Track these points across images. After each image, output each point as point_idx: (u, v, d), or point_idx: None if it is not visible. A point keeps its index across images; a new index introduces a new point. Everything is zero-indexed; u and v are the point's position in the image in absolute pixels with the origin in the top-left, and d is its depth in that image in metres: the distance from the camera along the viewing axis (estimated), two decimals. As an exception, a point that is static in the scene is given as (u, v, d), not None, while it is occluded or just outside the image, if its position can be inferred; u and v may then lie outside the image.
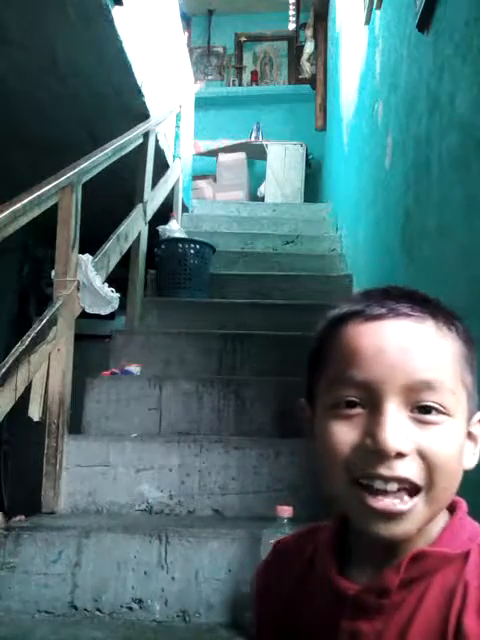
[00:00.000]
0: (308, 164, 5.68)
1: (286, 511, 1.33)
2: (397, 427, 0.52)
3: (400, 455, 0.51)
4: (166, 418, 2.10)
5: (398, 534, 0.53)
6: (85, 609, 1.49)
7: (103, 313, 2.03)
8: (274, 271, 3.33)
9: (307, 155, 5.64)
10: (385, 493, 0.52)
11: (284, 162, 5.53)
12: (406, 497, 0.52)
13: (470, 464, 0.57)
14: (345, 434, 0.54)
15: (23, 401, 1.63)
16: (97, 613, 1.49)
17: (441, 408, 0.53)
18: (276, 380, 2.20)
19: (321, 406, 0.57)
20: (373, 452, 0.52)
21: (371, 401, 0.53)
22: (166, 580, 1.51)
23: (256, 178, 5.85)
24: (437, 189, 1.51)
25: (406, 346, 0.53)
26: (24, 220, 1.63)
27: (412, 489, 0.52)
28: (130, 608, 1.49)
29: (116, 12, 2.23)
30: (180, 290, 3.06)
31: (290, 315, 2.78)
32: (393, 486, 0.52)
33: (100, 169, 2.17)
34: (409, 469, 0.52)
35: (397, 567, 0.55)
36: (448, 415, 0.53)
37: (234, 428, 2.07)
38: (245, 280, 3.21)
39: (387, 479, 0.52)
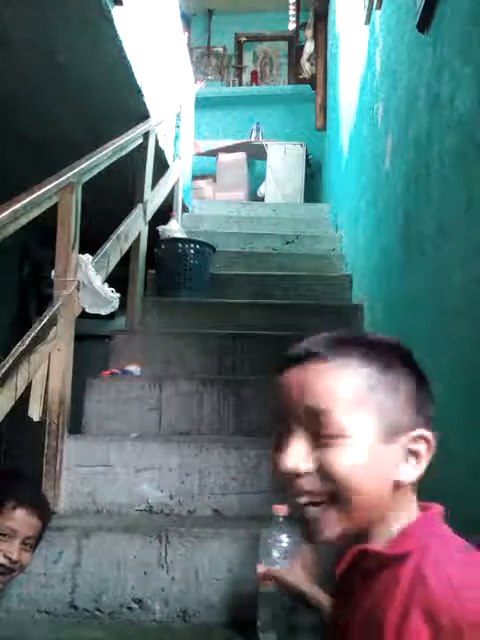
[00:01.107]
0: (308, 164, 5.67)
1: (282, 510, 1.34)
2: (295, 450, 0.63)
3: (299, 474, 0.62)
4: (166, 418, 2.10)
5: (321, 537, 0.63)
6: (85, 609, 1.49)
7: (103, 313, 2.03)
8: (274, 271, 3.33)
9: (307, 155, 5.64)
10: (306, 505, 0.63)
11: (284, 162, 5.53)
12: (319, 508, 0.63)
13: (408, 477, 0.64)
14: (274, 459, 0.66)
15: (23, 401, 1.63)
16: (97, 613, 1.49)
17: (335, 432, 0.62)
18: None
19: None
20: (283, 474, 0.63)
21: (284, 433, 0.65)
22: (166, 580, 1.51)
23: (256, 178, 5.85)
24: (437, 189, 1.51)
25: (299, 386, 0.65)
26: (24, 220, 1.63)
27: (328, 501, 0.62)
28: (130, 608, 1.49)
29: (116, 12, 2.23)
30: (180, 290, 3.06)
31: (290, 315, 2.78)
32: (303, 499, 0.63)
33: (100, 169, 2.17)
34: (311, 484, 0.62)
35: (346, 559, 0.65)
36: (343, 437, 0.62)
37: (234, 428, 2.07)
38: (245, 280, 3.21)
39: (296, 494, 0.63)
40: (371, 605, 0.61)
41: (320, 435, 0.62)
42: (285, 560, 1.27)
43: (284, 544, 1.30)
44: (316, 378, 0.64)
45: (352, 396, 0.63)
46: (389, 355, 0.66)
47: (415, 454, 0.64)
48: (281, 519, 1.34)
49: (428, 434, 0.65)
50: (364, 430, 0.62)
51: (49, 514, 1.47)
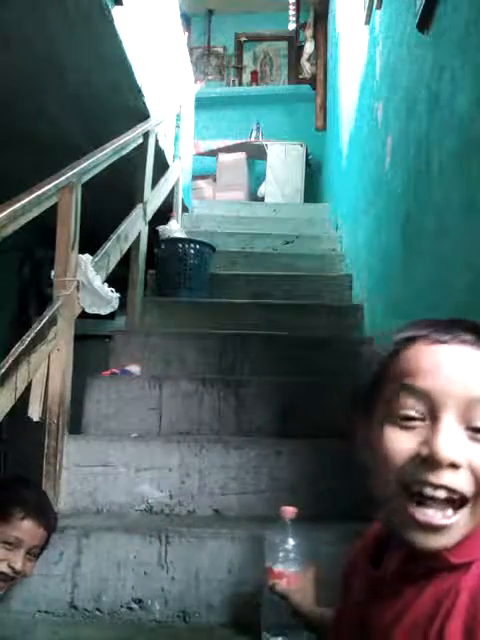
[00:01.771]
0: (308, 164, 5.67)
1: (289, 512, 1.32)
2: (452, 439, 0.56)
3: (452, 465, 0.56)
4: (166, 418, 2.09)
5: (435, 547, 0.57)
6: (85, 609, 1.49)
7: (103, 313, 2.03)
8: (274, 271, 3.33)
9: (307, 155, 5.64)
10: (432, 501, 0.56)
11: (284, 162, 5.53)
12: (450, 511, 0.57)
13: None
14: (403, 443, 0.59)
15: (23, 401, 1.63)
16: (97, 613, 1.49)
17: None
18: (276, 380, 2.20)
19: (381, 416, 0.62)
20: (427, 460, 0.56)
21: (430, 414, 0.58)
22: (166, 580, 1.51)
23: (256, 178, 5.85)
24: (437, 189, 1.51)
25: (465, 367, 0.59)
26: (23, 220, 1.62)
27: (458, 502, 0.57)
28: (130, 608, 1.49)
29: (116, 12, 2.23)
30: (180, 290, 3.06)
31: (290, 315, 2.78)
32: (441, 494, 0.56)
33: (100, 169, 2.17)
34: (458, 480, 0.56)
35: (402, 560, 0.60)
36: None
37: (234, 428, 2.07)
38: (245, 280, 3.21)
39: (436, 486, 0.56)
40: (423, 612, 0.56)
41: (476, 428, 0.57)
42: (291, 564, 1.26)
43: (289, 547, 1.28)
44: None
45: None
46: None
47: None
48: (288, 521, 1.32)
49: None
50: None
51: (55, 524, 1.46)
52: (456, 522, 0.57)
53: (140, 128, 2.67)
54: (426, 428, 0.58)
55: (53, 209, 1.85)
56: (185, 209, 4.14)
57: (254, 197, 5.69)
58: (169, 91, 3.41)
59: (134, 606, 1.49)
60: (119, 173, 2.55)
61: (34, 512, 1.35)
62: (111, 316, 4.18)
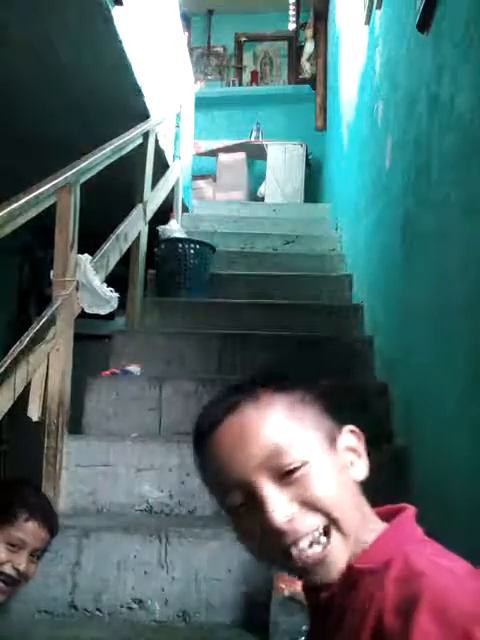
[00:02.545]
0: (308, 164, 5.67)
1: None
2: (276, 502, 0.59)
3: (291, 520, 0.59)
4: (166, 418, 2.09)
5: (331, 575, 0.61)
6: (85, 609, 1.49)
7: (102, 313, 2.03)
8: (274, 271, 3.33)
9: (307, 155, 5.64)
10: (305, 550, 0.60)
11: (284, 162, 5.53)
12: (323, 539, 0.60)
13: (360, 474, 0.65)
14: (248, 533, 0.63)
15: (22, 401, 1.63)
16: (97, 613, 1.49)
17: (296, 463, 0.60)
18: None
19: (225, 515, 0.67)
20: (274, 532, 0.59)
21: (248, 495, 0.61)
22: (166, 580, 1.51)
23: (256, 178, 5.85)
24: (437, 189, 1.51)
25: (244, 433, 0.61)
26: (22, 220, 1.62)
27: (324, 532, 0.60)
28: (130, 608, 1.49)
29: (116, 12, 2.23)
30: (180, 290, 3.06)
31: (290, 315, 2.78)
32: (305, 542, 0.59)
33: (99, 169, 2.17)
34: (305, 523, 0.60)
35: (336, 581, 0.62)
36: (305, 463, 0.60)
37: (234, 428, 2.07)
38: (245, 280, 3.21)
39: (296, 541, 0.59)
40: (355, 617, 0.58)
41: (286, 474, 0.60)
42: None
43: None
44: (248, 424, 0.62)
45: (287, 422, 0.62)
46: (284, 380, 0.68)
47: (353, 450, 0.66)
48: None
49: (352, 427, 0.66)
50: (314, 447, 0.62)
51: (57, 526, 1.46)
52: (334, 545, 0.60)
53: (140, 128, 2.67)
54: (253, 509, 0.61)
55: (53, 209, 1.85)
56: (185, 209, 4.14)
57: (254, 197, 5.69)
58: (169, 91, 3.40)
59: (134, 606, 1.49)
60: (119, 173, 2.55)
61: (38, 514, 1.35)
62: (111, 316, 4.18)
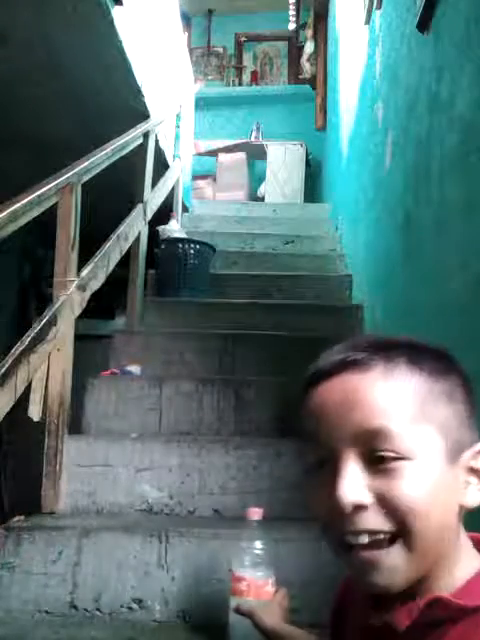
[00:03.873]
0: (308, 164, 5.67)
1: (256, 513, 1.30)
2: (351, 481, 0.53)
3: (360, 507, 0.52)
4: (166, 418, 2.10)
5: (381, 585, 0.53)
6: (85, 609, 1.49)
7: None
8: (274, 271, 3.33)
9: (307, 155, 5.64)
10: (362, 547, 0.53)
11: (284, 162, 5.53)
12: (386, 546, 0.53)
13: (472, 501, 0.55)
14: (317, 497, 0.56)
15: (23, 401, 1.63)
16: (97, 613, 1.49)
17: (395, 454, 0.52)
18: (276, 380, 2.20)
19: (303, 471, 0.60)
20: (337, 509, 0.53)
21: (329, 459, 0.55)
22: (166, 580, 1.51)
23: (256, 178, 5.85)
24: (437, 189, 1.51)
25: (347, 399, 0.54)
26: (23, 220, 1.63)
27: (386, 541, 0.53)
28: (130, 608, 1.49)
29: (116, 12, 2.23)
30: (180, 290, 3.06)
31: (290, 315, 2.78)
32: (363, 539, 0.53)
33: (100, 169, 2.17)
34: (373, 520, 0.52)
35: (410, 610, 0.55)
36: (406, 459, 0.52)
37: (234, 428, 2.07)
38: (245, 280, 3.21)
39: (355, 533, 0.53)
40: None
41: (378, 459, 0.53)
42: (258, 567, 1.23)
43: (257, 551, 1.25)
44: (365, 389, 0.54)
45: (411, 408, 0.53)
46: (439, 361, 0.58)
47: (477, 473, 0.56)
48: (255, 524, 1.29)
49: None
50: (429, 449, 0.53)
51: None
52: (392, 557, 0.53)
53: (140, 128, 2.67)
54: (330, 473, 0.54)
55: (53, 209, 1.85)
56: (185, 209, 4.14)
57: (254, 197, 5.69)
58: (169, 91, 3.41)
59: (134, 606, 1.49)
60: (119, 173, 2.55)
61: None
62: (111, 316, 4.19)
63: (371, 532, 0.53)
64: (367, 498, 0.52)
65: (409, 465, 0.52)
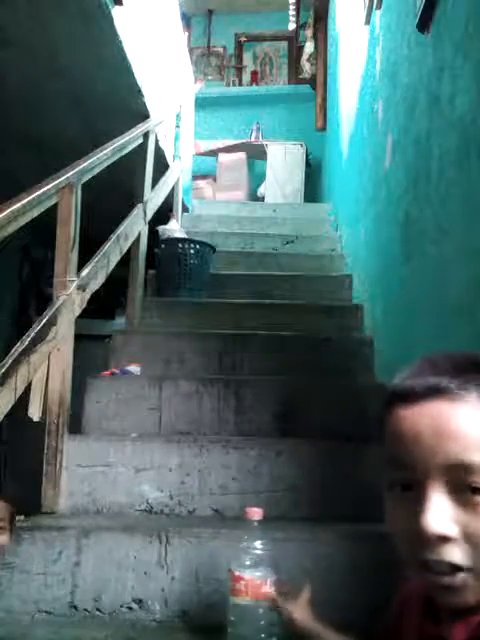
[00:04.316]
0: (308, 164, 5.67)
1: (256, 514, 1.29)
2: (438, 511, 0.53)
3: (444, 538, 0.53)
4: (166, 418, 2.09)
5: (459, 603, 0.55)
6: (85, 609, 1.49)
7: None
8: (274, 271, 3.33)
9: (307, 155, 5.64)
10: (438, 573, 0.54)
11: (284, 162, 5.53)
12: (462, 575, 0.54)
13: None
14: (400, 517, 0.56)
15: (23, 401, 1.63)
16: (97, 613, 1.49)
17: None
18: (276, 380, 2.20)
19: (385, 487, 0.60)
20: (420, 535, 0.53)
21: (417, 484, 0.55)
22: (166, 580, 1.50)
23: (256, 178, 5.85)
24: (437, 189, 1.51)
25: (441, 428, 0.54)
26: (23, 220, 1.63)
27: (468, 570, 0.54)
28: (130, 608, 1.49)
29: (116, 12, 2.23)
30: (180, 290, 3.06)
31: (290, 315, 2.78)
32: (445, 568, 0.53)
33: (100, 169, 2.17)
34: (456, 553, 0.53)
35: (468, 624, 0.56)
36: None
37: (234, 428, 2.07)
38: (245, 280, 3.21)
39: (436, 562, 0.53)
40: None
41: (467, 493, 0.52)
42: (258, 568, 1.23)
43: (257, 551, 1.24)
44: (461, 421, 0.53)
45: None
46: None
47: None
48: (255, 523, 1.29)
49: None
50: None
51: (13, 498, 1.49)
52: (465, 581, 0.54)
53: (140, 128, 2.67)
54: (415, 498, 0.55)
55: (53, 209, 1.85)
56: (185, 209, 4.14)
57: (254, 197, 5.69)
58: (169, 91, 3.41)
59: (134, 606, 1.49)
60: (119, 173, 2.55)
61: None
62: (111, 316, 4.20)
63: (451, 565, 0.53)
64: (453, 531, 0.53)
65: None
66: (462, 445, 0.53)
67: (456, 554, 0.53)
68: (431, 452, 0.54)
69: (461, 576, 0.53)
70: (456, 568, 0.53)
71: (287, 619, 1.01)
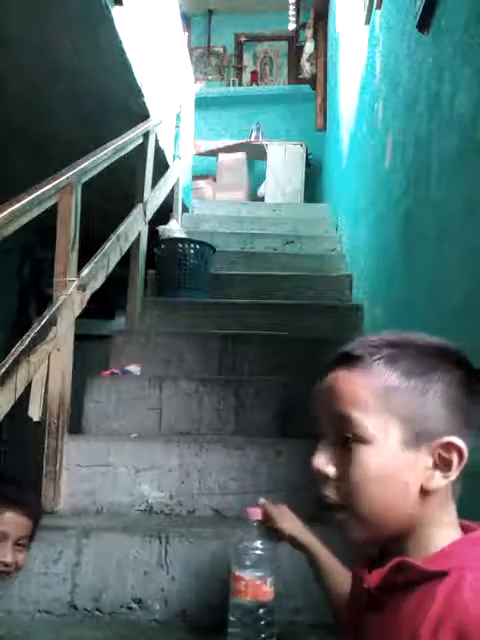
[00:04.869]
0: (308, 164, 5.67)
1: (256, 513, 1.29)
2: (323, 452, 0.65)
3: (325, 477, 0.64)
4: (166, 418, 2.10)
5: (348, 539, 0.64)
6: (85, 609, 1.49)
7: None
8: (274, 271, 3.33)
9: (307, 155, 5.64)
10: (331, 507, 0.65)
11: (284, 162, 5.53)
12: (340, 511, 0.64)
13: (433, 485, 0.62)
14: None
15: (23, 401, 1.63)
16: (97, 613, 1.49)
17: (356, 437, 0.62)
18: (276, 380, 2.20)
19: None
20: (312, 474, 0.66)
21: (320, 434, 0.67)
22: (166, 580, 1.51)
23: (256, 178, 5.85)
24: (437, 189, 1.51)
25: (330, 387, 0.66)
26: (23, 220, 1.62)
27: (342, 507, 0.64)
28: (130, 608, 1.49)
29: (116, 12, 2.23)
30: (180, 290, 3.06)
31: (290, 315, 2.78)
32: (329, 503, 0.65)
33: (100, 169, 2.17)
34: (330, 490, 0.64)
35: (380, 572, 0.64)
36: (364, 442, 0.62)
37: (234, 428, 2.07)
38: (245, 280, 3.21)
39: (323, 497, 0.65)
40: (404, 619, 0.59)
41: (345, 439, 0.63)
42: (260, 568, 1.23)
43: (258, 551, 1.24)
44: (342, 382, 0.65)
45: (372, 399, 0.62)
46: (425, 357, 0.64)
47: (445, 462, 0.62)
48: (255, 523, 1.29)
49: (458, 442, 0.61)
50: (386, 434, 0.62)
51: (39, 511, 1.48)
52: (347, 522, 0.63)
53: (140, 128, 2.67)
54: None
55: (53, 209, 1.85)
56: (185, 209, 4.14)
57: (254, 197, 5.69)
58: (169, 91, 3.41)
59: (134, 606, 1.49)
60: (119, 173, 2.55)
61: (15, 503, 1.37)
62: (111, 316, 4.20)
63: (329, 499, 0.64)
64: (331, 471, 0.64)
65: (366, 449, 0.62)
66: (344, 401, 0.64)
67: (332, 491, 0.64)
68: (324, 406, 0.66)
69: (341, 514, 0.63)
70: (338, 506, 0.63)
71: (280, 533, 1.11)
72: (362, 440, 0.62)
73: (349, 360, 0.65)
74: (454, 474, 0.62)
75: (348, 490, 0.62)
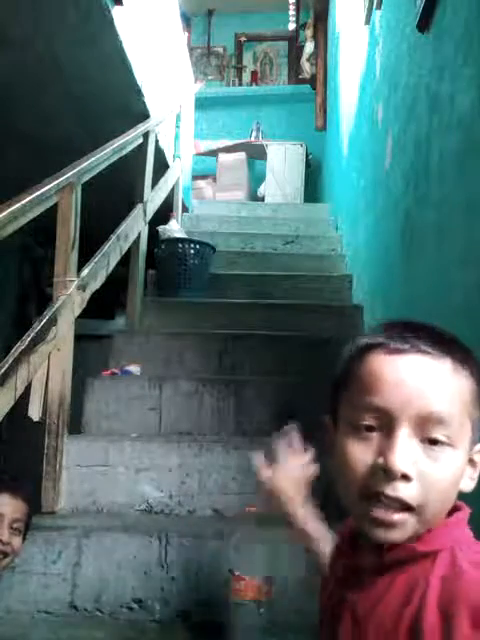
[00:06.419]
0: (308, 164, 5.67)
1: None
2: (406, 452, 0.58)
3: (405, 477, 0.58)
4: (166, 418, 2.10)
5: (394, 540, 0.60)
6: (85, 609, 1.49)
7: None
8: (274, 271, 3.33)
9: (307, 155, 5.64)
10: (386, 507, 0.59)
11: (284, 162, 5.53)
12: (406, 514, 0.59)
13: (467, 487, 0.63)
14: (360, 453, 0.61)
15: (23, 401, 1.63)
16: (97, 613, 1.49)
17: (447, 440, 0.59)
18: (276, 380, 2.20)
19: (342, 426, 0.64)
20: (382, 471, 0.59)
21: (386, 426, 0.60)
22: (166, 580, 1.51)
23: (256, 178, 5.85)
24: (437, 189, 1.51)
25: (423, 380, 0.60)
26: (24, 220, 1.63)
27: (407, 508, 0.59)
28: (130, 608, 1.49)
29: (116, 12, 2.23)
30: (180, 290, 3.06)
31: (290, 315, 2.78)
32: (395, 505, 0.59)
33: (100, 169, 2.17)
34: (409, 492, 0.59)
35: (374, 553, 0.62)
36: (452, 446, 0.59)
37: (234, 428, 2.07)
38: (245, 280, 3.21)
39: (390, 498, 0.59)
40: (396, 602, 0.59)
41: (431, 441, 0.59)
42: (256, 568, 1.23)
43: (258, 551, 1.26)
44: (441, 378, 0.60)
45: (467, 404, 0.60)
46: (476, 364, 0.64)
47: (474, 464, 0.63)
48: (254, 522, 1.29)
49: None
50: (464, 440, 0.61)
51: (33, 498, 1.50)
52: (407, 519, 0.59)
53: (140, 128, 2.67)
54: (381, 439, 0.60)
55: (53, 209, 1.85)
56: (185, 209, 4.14)
57: (254, 197, 5.69)
58: (169, 91, 3.40)
59: (134, 606, 1.49)
60: (119, 173, 2.55)
61: (8, 485, 1.40)
62: (111, 316, 4.19)
63: (403, 502, 0.58)
64: (413, 472, 0.58)
65: (452, 453, 0.59)
66: (439, 399, 0.59)
67: (409, 492, 0.58)
68: (408, 399, 0.59)
69: (406, 515, 0.59)
70: (406, 506, 0.59)
71: (278, 509, 0.98)
72: (452, 444, 0.59)
73: (433, 353, 0.61)
74: (477, 475, 0.64)
75: (426, 492, 0.58)
